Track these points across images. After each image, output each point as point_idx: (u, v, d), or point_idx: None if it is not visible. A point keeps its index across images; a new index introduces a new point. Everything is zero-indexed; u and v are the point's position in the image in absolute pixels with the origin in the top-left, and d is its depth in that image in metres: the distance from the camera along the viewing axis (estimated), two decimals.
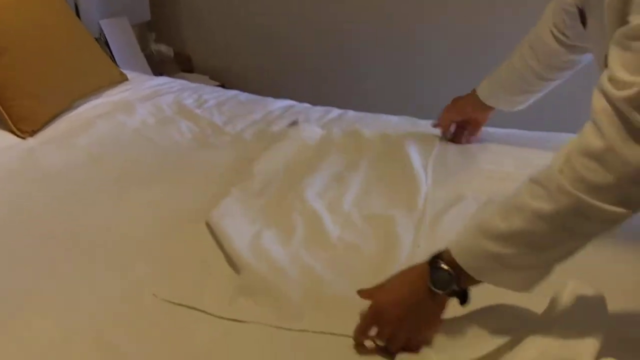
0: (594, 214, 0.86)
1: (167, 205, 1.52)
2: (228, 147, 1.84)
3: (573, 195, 0.85)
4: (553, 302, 0.99)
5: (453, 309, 1.02)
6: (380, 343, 1.02)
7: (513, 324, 0.99)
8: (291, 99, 2.23)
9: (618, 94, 0.83)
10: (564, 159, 0.88)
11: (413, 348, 1.01)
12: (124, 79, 2.33)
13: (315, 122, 2.00)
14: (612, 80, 0.85)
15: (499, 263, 0.94)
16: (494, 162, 1.71)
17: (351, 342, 1.04)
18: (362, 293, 1.07)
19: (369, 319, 1.03)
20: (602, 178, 0.84)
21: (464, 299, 1.01)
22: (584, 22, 1.29)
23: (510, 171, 1.62)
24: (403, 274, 1.05)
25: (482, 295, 1.03)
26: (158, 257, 1.31)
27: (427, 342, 1.01)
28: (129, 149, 1.84)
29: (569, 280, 1.00)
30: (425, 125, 1.91)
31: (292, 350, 1.05)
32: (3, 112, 1.86)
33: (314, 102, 2.19)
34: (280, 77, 3.13)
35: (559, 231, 0.89)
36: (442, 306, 1.01)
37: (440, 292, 0.99)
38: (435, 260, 1.00)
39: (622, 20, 0.90)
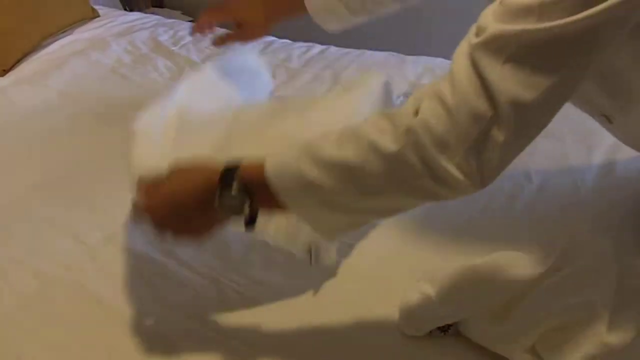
0: (431, 167, 0.76)
1: None
2: None
3: (418, 141, 0.75)
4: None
5: None
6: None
7: None
8: (270, 35, 2.17)
9: (475, 40, 0.74)
10: (418, 101, 0.78)
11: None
12: (95, 15, 2.25)
13: (296, 59, 1.95)
14: (477, 27, 0.76)
15: (312, 192, 0.81)
16: None
17: None
18: (140, 188, 0.92)
19: (136, 214, 0.91)
20: (447, 132, 0.74)
21: (249, 223, 0.86)
22: None
23: None
24: (188, 178, 0.88)
25: None
26: None
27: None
28: (104, 88, 1.79)
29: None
30: (414, 62, 1.87)
31: None
32: None
33: (295, 38, 2.14)
34: None
35: (389, 176, 0.78)
36: (218, 222, 0.89)
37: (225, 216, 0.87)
38: (229, 177, 0.84)
39: None
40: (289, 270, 1.09)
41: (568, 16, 0.69)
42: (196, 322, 1.01)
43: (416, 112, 0.77)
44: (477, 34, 0.75)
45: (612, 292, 0.88)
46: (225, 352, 0.95)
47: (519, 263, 0.94)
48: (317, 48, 2.03)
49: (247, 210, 0.84)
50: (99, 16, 2.26)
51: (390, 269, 1.10)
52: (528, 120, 0.74)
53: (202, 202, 0.86)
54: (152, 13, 2.60)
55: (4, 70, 1.83)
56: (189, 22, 2.46)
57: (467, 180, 0.75)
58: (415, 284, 1.00)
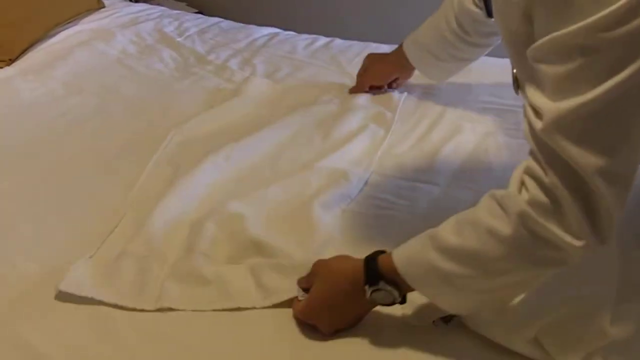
0: (549, 240, 0.78)
1: (151, 134, 1.49)
2: (212, 77, 1.80)
3: (531, 219, 0.78)
4: None
5: None
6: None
7: None
8: (275, 26, 2.17)
9: (540, 124, 0.76)
10: (518, 181, 0.81)
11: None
12: (100, 5, 2.25)
13: (301, 51, 1.95)
14: (532, 107, 0.79)
15: (441, 279, 0.87)
16: (493, 93, 1.64)
17: None
18: (296, 308, 0.99)
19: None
20: (555, 207, 0.77)
21: (401, 302, 0.95)
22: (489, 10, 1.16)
23: (510, 103, 1.57)
24: (334, 282, 0.97)
25: None
26: None
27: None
28: (110, 78, 1.79)
29: None
30: None
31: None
32: None
33: (300, 30, 2.14)
34: (262, 3, 3.04)
35: (511, 257, 0.82)
36: (370, 309, 0.98)
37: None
38: (374, 276, 0.92)
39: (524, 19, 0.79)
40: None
41: (614, 75, 0.69)
42: None
43: (519, 191, 0.80)
44: (537, 115, 0.77)
45: (614, 285, 0.88)
46: None
47: None
48: (322, 40, 2.03)
49: (398, 298, 0.93)
50: (104, 7, 2.26)
51: None
52: (619, 176, 0.75)
53: (353, 300, 0.95)
54: (157, 4, 2.60)
55: (10, 60, 1.83)
56: (194, 14, 2.46)
57: (585, 242, 0.77)
58: None
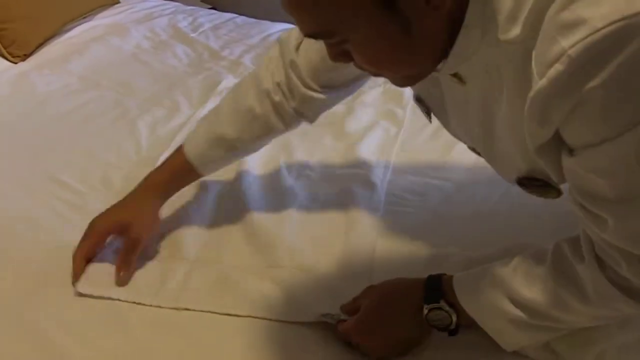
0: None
1: (164, 129, 1.50)
2: (226, 73, 1.80)
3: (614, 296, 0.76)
4: None
5: None
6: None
7: None
8: (289, 22, 2.17)
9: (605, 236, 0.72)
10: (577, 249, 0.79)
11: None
12: (115, 1, 2.27)
13: None
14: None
15: (514, 324, 0.85)
16: None
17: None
18: (345, 326, 0.94)
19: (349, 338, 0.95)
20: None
21: (454, 332, 0.92)
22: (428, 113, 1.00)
23: None
24: (392, 298, 0.95)
25: None
26: None
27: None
28: (124, 73, 1.80)
29: None
30: None
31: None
32: None
33: None
34: None
35: (590, 314, 0.81)
36: (429, 333, 0.93)
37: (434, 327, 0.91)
38: (435, 292, 0.90)
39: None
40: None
41: None
42: None
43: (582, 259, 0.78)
44: (599, 227, 0.72)
45: None
46: None
47: None
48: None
49: (453, 324, 0.89)
50: (118, 2, 2.28)
51: (407, 256, 1.10)
52: None
53: (409, 318, 0.91)
54: (172, 0, 2.61)
55: (25, 55, 1.84)
56: (208, 9, 2.46)
57: None
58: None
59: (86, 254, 1.08)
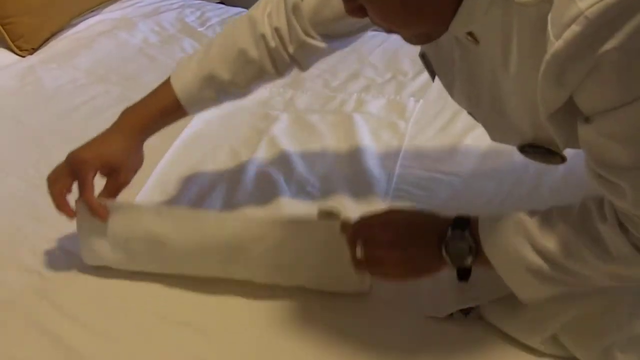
0: None
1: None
2: None
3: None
4: None
5: None
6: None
7: None
8: None
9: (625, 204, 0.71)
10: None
11: (389, 279, 0.95)
12: None
13: None
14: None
15: (532, 273, 0.82)
16: None
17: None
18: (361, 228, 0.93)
19: (358, 233, 0.93)
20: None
21: (464, 275, 0.89)
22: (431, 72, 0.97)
23: None
24: (414, 220, 0.92)
25: None
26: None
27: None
28: (131, 68, 1.81)
29: None
30: None
31: None
32: (1, 29, 1.82)
33: None
34: None
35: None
36: (437, 269, 0.90)
37: (447, 258, 0.87)
38: (460, 226, 0.86)
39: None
40: None
41: None
42: None
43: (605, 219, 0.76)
44: (617, 197, 0.72)
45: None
46: None
47: None
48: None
49: (470, 260, 0.86)
50: None
51: None
52: None
53: (427, 240, 0.88)
54: None
55: (33, 49, 1.85)
56: (216, 4, 2.46)
57: None
58: None
59: (64, 186, 1.05)
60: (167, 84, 1.10)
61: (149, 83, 1.66)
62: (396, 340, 0.94)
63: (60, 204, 1.04)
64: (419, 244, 0.89)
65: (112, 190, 1.07)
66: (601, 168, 0.71)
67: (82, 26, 2.02)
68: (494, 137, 0.93)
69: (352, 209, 1.18)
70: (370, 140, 1.43)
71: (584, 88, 0.65)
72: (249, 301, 1.01)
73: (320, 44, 1.07)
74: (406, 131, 1.46)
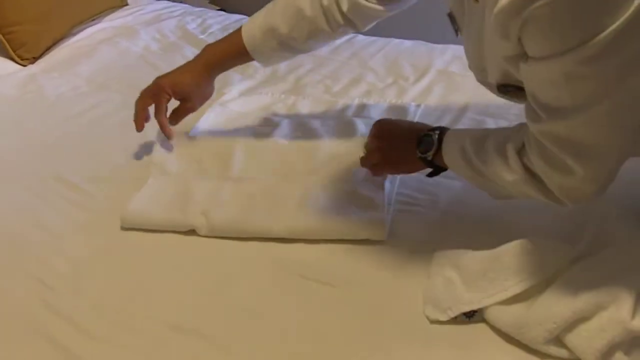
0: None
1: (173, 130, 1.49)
2: (235, 75, 1.78)
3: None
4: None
5: None
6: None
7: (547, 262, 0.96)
8: None
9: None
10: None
11: (375, 170, 1.20)
12: (123, 3, 2.27)
13: (323, 47, 1.93)
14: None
15: (464, 161, 1.02)
16: None
17: None
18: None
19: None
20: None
21: (434, 172, 1.13)
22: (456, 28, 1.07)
23: None
24: (411, 124, 1.20)
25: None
26: None
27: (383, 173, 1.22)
28: (133, 75, 1.80)
29: None
30: (442, 50, 1.86)
31: None
32: (2, 38, 1.83)
33: None
34: None
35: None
36: (416, 164, 1.12)
37: (417, 151, 1.09)
38: (434, 130, 1.08)
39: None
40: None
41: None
42: None
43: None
44: (534, 120, 0.86)
45: (637, 278, 0.87)
46: None
47: (546, 249, 0.94)
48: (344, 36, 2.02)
49: (431, 155, 1.08)
50: (127, 4, 2.28)
51: (415, 253, 1.10)
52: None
53: (410, 140, 1.11)
54: (180, 2, 2.61)
55: (34, 58, 1.86)
56: (217, 11, 2.47)
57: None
58: (439, 269, 1.00)
59: (146, 103, 1.31)
60: (240, 30, 1.29)
61: None
62: (400, 343, 0.94)
63: (139, 116, 1.31)
64: (403, 139, 1.13)
65: (180, 113, 1.33)
66: (531, 98, 0.84)
67: (83, 34, 2.02)
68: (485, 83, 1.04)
69: (354, 213, 1.18)
70: None
71: (522, 37, 0.76)
72: (257, 309, 1.01)
73: (377, 7, 1.20)
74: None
